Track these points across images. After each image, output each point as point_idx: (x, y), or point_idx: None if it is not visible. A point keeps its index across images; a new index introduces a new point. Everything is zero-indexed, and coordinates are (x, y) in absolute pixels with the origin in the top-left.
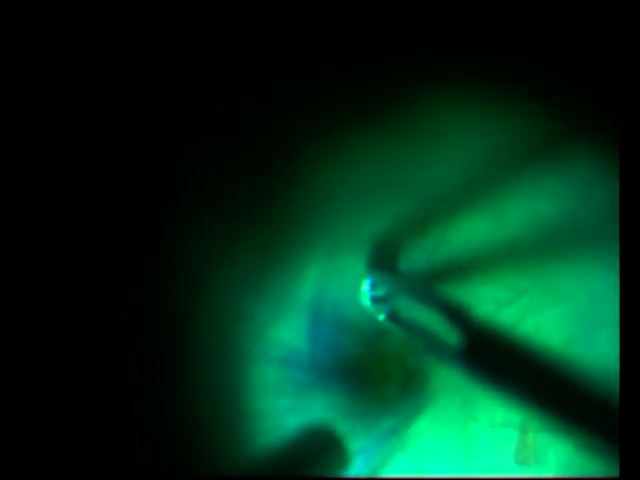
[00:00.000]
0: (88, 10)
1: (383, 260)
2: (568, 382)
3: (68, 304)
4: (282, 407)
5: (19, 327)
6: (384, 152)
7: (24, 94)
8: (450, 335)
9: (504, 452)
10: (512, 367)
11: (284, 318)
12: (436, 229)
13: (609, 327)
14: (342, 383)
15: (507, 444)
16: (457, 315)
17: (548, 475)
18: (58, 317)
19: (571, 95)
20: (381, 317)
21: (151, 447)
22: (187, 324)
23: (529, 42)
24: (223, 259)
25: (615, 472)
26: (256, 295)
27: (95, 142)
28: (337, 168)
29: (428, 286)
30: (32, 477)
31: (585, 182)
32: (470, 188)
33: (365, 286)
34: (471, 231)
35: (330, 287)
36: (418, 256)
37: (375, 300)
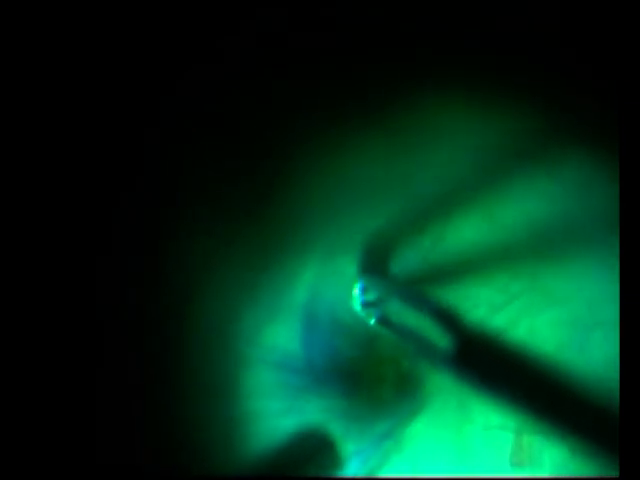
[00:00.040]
0: (88, 10)
1: (375, 264)
2: (562, 386)
3: (68, 304)
4: (276, 409)
5: (19, 327)
6: (384, 152)
7: (24, 94)
8: (442, 339)
9: (499, 454)
10: (505, 371)
11: (280, 319)
12: (430, 231)
13: (603, 330)
14: (337, 386)
15: (502, 446)
16: (449, 319)
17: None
18: (58, 317)
19: (571, 95)
20: (372, 321)
21: (146, 447)
22: (182, 324)
23: (529, 42)
24: (221, 259)
25: (611, 474)
26: (252, 296)
27: (95, 142)
28: (337, 168)
29: (420, 290)
30: (32, 477)
31: (581, 184)
32: (467, 190)
33: (356, 290)
34: (465, 234)
35: (326, 288)
36: (411, 259)
37: (366, 304)
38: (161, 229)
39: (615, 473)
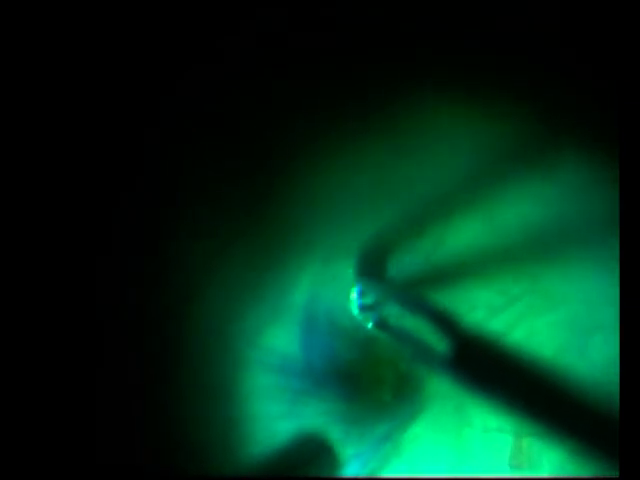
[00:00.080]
0: (88, 10)
1: (373, 267)
2: (561, 389)
3: (68, 304)
4: (275, 412)
5: (19, 327)
6: (384, 153)
7: (24, 94)
8: (439, 343)
9: (498, 457)
10: (504, 375)
11: (279, 321)
12: (429, 234)
13: (603, 333)
14: (336, 389)
15: (501, 449)
16: (446, 322)
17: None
18: (58, 317)
19: (571, 95)
20: (369, 325)
21: (146, 447)
22: (182, 324)
23: (529, 42)
24: (221, 260)
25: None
26: (252, 297)
27: (95, 142)
28: (337, 168)
29: (417, 293)
30: (32, 477)
31: (581, 186)
32: (467, 192)
33: (354, 294)
34: (465, 236)
35: (326, 291)
36: (409, 262)
37: (363, 308)
38: (161, 229)
39: (614, 475)
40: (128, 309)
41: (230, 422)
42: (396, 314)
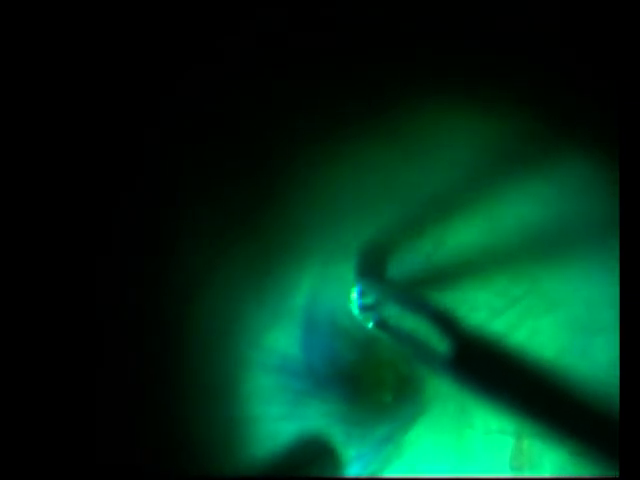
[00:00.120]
0: (88, 10)
1: (373, 267)
2: (562, 390)
3: (68, 304)
4: (277, 413)
5: (19, 327)
6: (384, 154)
7: (24, 94)
8: (440, 343)
9: (499, 458)
10: (505, 376)
11: (280, 323)
12: (429, 234)
13: (604, 334)
14: (337, 390)
15: (503, 450)
16: (447, 323)
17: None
18: (58, 317)
19: (571, 95)
20: (369, 325)
21: (146, 447)
22: (182, 324)
23: (529, 42)
24: (222, 260)
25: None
26: (253, 297)
27: (95, 142)
28: (337, 168)
29: (418, 294)
30: (32, 477)
31: (581, 186)
32: (467, 192)
33: (354, 294)
34: (465, 237)
35: (326, 292)
36: (409, 263)
37: (364, 308)
38: (162, 229)
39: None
40: (128, 309)
41: (231, 423)
42: (397, 314)
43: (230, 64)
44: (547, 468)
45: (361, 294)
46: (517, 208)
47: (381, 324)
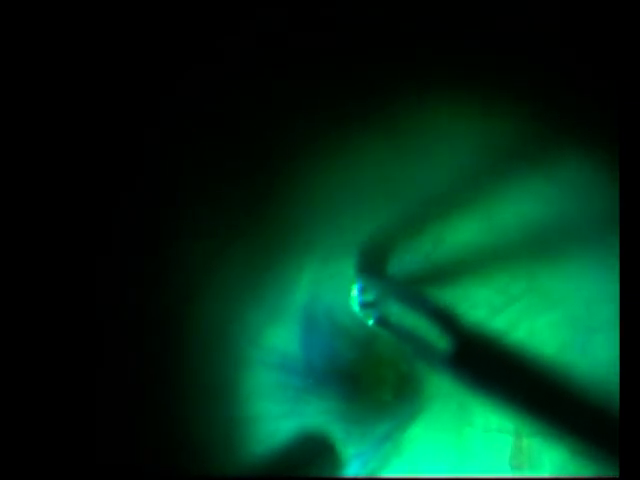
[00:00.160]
0: (88, 10)
1: (374, 264)
2: (562, 388)
3: (68, 304)
4: (276, 412)
5: (19, 327)
6: (384, 153)
7: (24, 94)
8: (440, 340)
9: (499, 457)
10: (504, 373)
11: (279, 321)
12: (429, 232)
13: (604, 332)
14: (337, 388)
15: (502, 449)
16: (447, 320)
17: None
18: (58, 317)
19: (571, 95)
20: (370, 322)
21: (146, 447)
22: (182, 324)
23: (529, 42)
24: (222, 259)
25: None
26: (253, 296)
27: (95, 142)
28: (337, 168)
29: (418, 291)
30: (32, 477)
31: (580, 184)
32: (467, 191)
33: (354, 291)
34: (465, 235)
35: (326, 290)
36: (409, 260)
37: (364, 305)
38: (161, 229)
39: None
40: (128, 309)
41: (231, 422)
42: (397, 311)
43: (230, 64)
44: (547, 467)
45: (361, 291)
46: (517, 206)
47: (381, 321)
